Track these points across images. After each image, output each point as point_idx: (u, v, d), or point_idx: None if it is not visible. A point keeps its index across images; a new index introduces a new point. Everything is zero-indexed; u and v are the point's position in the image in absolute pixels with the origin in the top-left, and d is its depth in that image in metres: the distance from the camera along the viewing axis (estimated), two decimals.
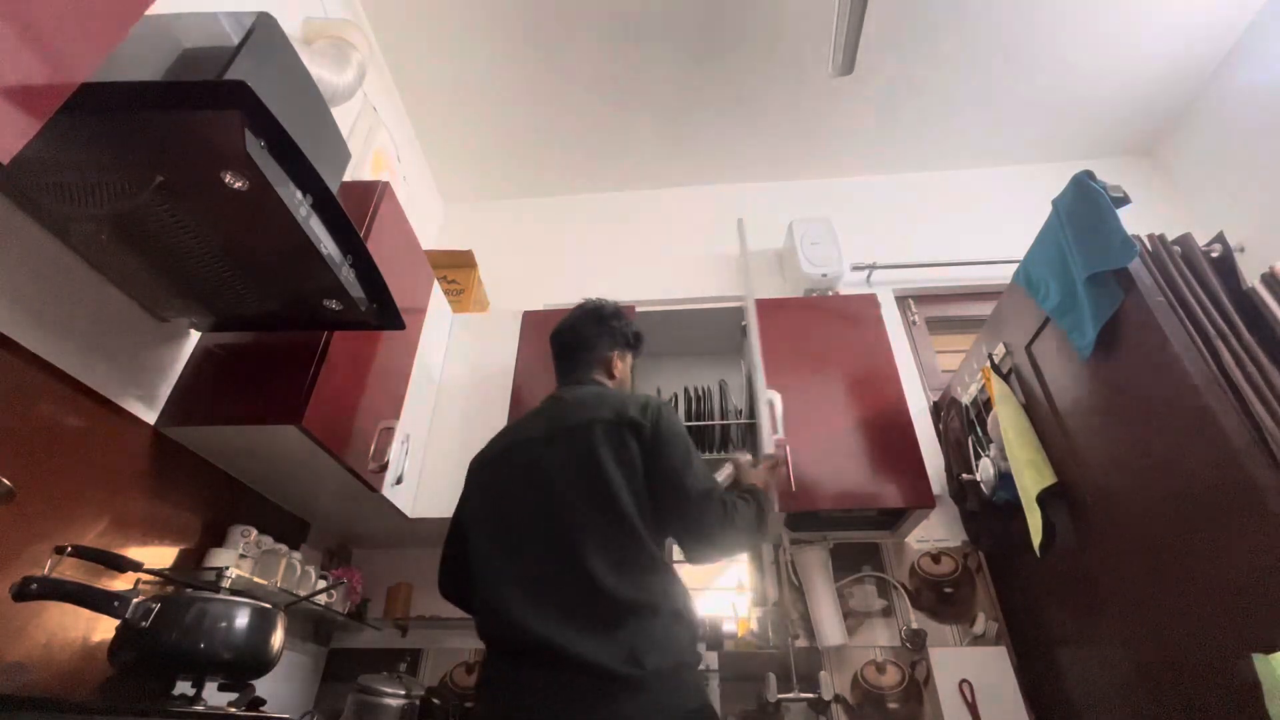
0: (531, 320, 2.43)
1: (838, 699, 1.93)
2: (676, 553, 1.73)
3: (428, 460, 2.09)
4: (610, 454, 1.10)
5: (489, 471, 1.26)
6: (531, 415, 1.31)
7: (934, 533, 2.18)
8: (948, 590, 2.09)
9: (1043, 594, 1.77)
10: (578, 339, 1.41)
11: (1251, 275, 1.30)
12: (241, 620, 1.23)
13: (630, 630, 0.97)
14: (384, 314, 1.40)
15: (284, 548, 1.70)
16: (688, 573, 2.51)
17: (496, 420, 2.17)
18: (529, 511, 1.12)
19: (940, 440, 2.21)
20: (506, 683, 1.00)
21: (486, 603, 1.09)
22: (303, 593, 1.65)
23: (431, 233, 3.24)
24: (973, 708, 1.86)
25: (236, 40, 1.12)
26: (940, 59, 2.70)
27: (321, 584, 1.83)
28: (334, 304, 1.33)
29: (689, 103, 2.91)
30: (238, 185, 0.97)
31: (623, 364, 1.43)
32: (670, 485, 1.09)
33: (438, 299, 2.33)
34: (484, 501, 1.23)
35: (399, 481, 1.85)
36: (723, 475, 1.37)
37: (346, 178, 1.70)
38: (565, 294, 2.90)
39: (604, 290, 2.90)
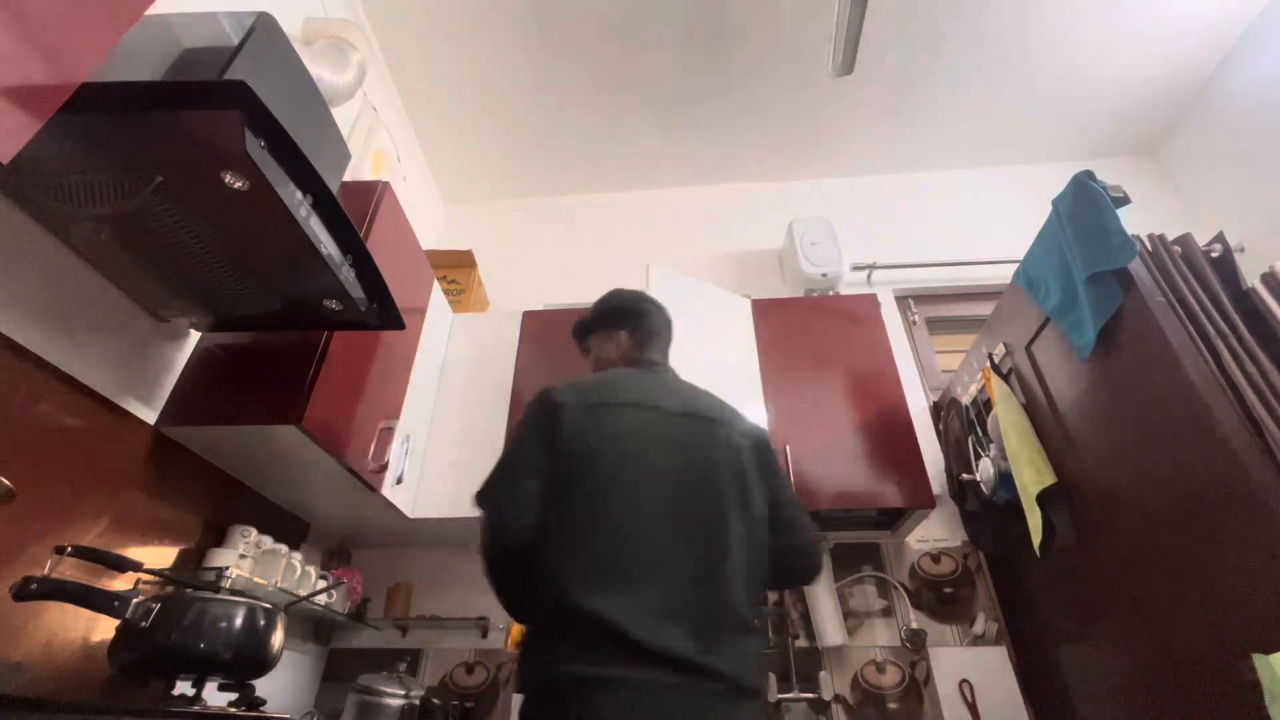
0: (531, 320, 2.43)
1: (838, 699, 1.93)
2: None
3: (428, 460, 2.09)
4: (753, 466, 1.11)
5: (616, 421, 1.11)
6: (646, 381, 1.21)
7: (934, 533, 2.18)
8: (948, 590, 2.09)
9: (1043, 594, 1.76)
10: (666, 323, 1.39)
11: (1251, 275, 1.30)
12: (241, 620, 1.23)
13: (750, 646, 0.96)
14: (384, 314, 1.40)
15: (284, 548, 1.70)
16: None
17: (497, 420, 2.17)
18: (679, 499, 1.03)
19: (940, 440, 2.21)
20: (631, 684, 0.86)
21: (596, 581, 0.94)
22: (303, 593, 1.65)
23: (431, 233, 3.24)
24: (973, 708, 1.86)
25: (236, 40, 1.12)
26: (940, 59, 2.70)
27: (321, 584, 1.83)
28: (334, 304, 1.33)
29: (689, 103, 2.91)
30: (238, 185, 0.97)
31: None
32: (786, 507, 1.13)
33: (438, 299, 2.33)
34: (617, 462, 1.06)
35: (399, 481, 1.85)
36: None
37: (346, 178, 1.70)
38: (565, 294, 2.91)
39: (603, 290, 2.93)
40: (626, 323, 1.36)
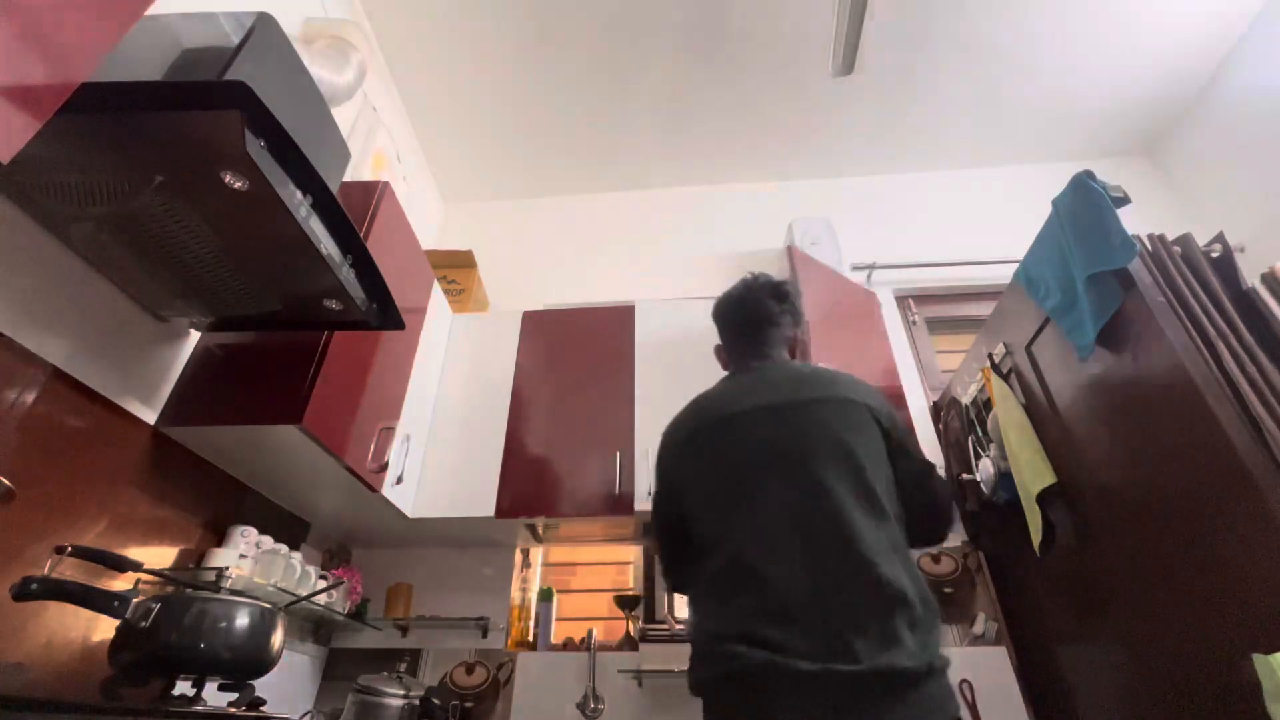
0: (531, 320, 2.43)
1: None
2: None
3: (428, 460, 2.09)
4: (857, 434, 1.06)
5: (709, 444, 1.16)
6: (736, 388, 1.22)
7: None
8: (948, 590, 2.09)
9: (1043, 594, 1.76)
10: (764, 314, 1.32)
11: (1251, 275, 1.30)
12: (241, 620, 1.23)
13: (902, 621, 0.90)
14: (384, 314, 1.40)
15: (284, 548, 1.70)
16: None
17: (497, 420, 2.17)
18: (778, 488, 1.03)
19: (940, 440, 2.21)
20: (796, 677, 0.87)
21: (744, 584, 0.97)
22: (303, 593, 1.65)
23: (431, 233, 3.24)
24: (973, 708, 1.86)
25: (236, 40, 1.13)
26: (941, 59, 2.70)
27: (321, 584, 1.83)
28: (334, 304, 1.33)
29: (689, 103, 2.91)
30: (238, 185, 0.97)
31: (800, 343, 1.38)
32: (915, 471, 1.11)
33: (438, 299, 2.33)
34: (715, 476, 1.11)
35: (399, 481, 1.85)
36: None
37: (346, 178, 1.70)
38: (565, 294, 2.92)
39: (604, 290, 2.94)
40: (720, 334, 1.41)
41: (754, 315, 1.32)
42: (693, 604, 1.10)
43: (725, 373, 1.35)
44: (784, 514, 1.00)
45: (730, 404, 1.17)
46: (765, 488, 1.04)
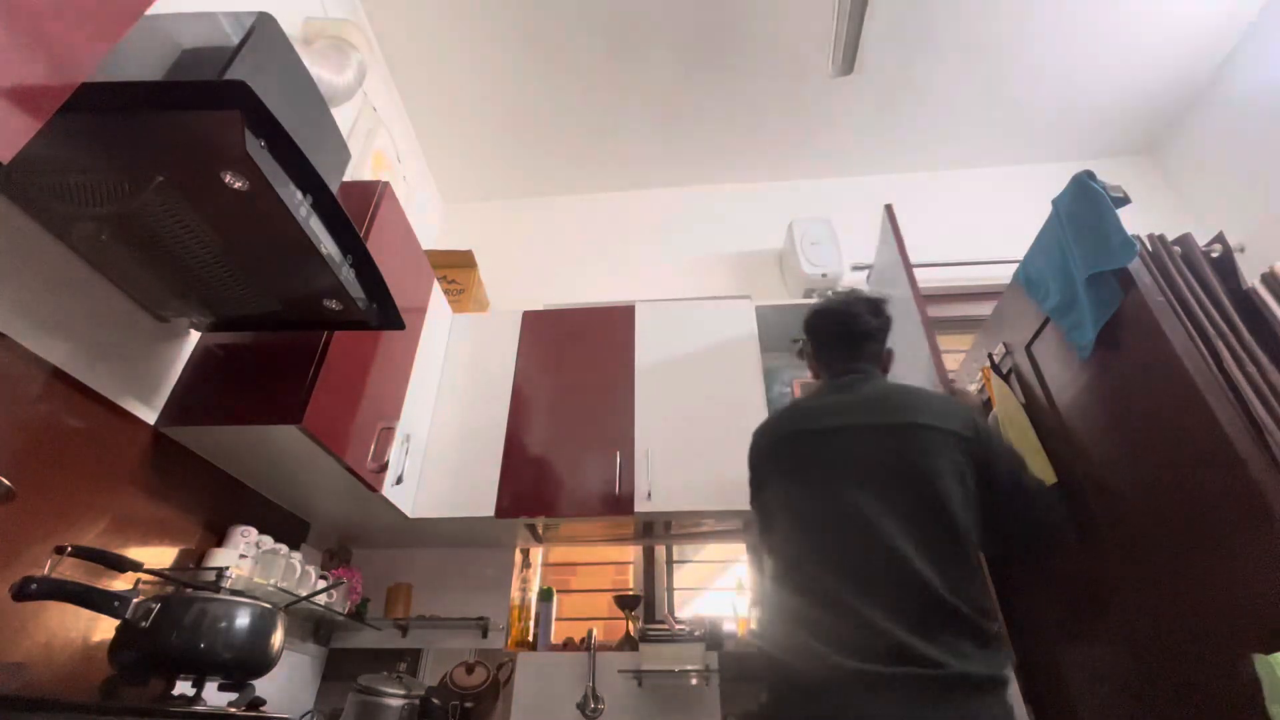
0: (531, 320, 2.43)
1: None
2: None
3: (428, 460, 2.09)
4: (946, 463, 1.11)
5: (799, 453, 1.22)
6: (834, 402, 1.26)
7: None
8: None
9: (1043, 594, 1.76)
10: (863, 328, 1.36)
11: (1251, 275, 1.30)
12: (241, 620, 1.23)
13: (963, 635, 0.98)
14: (384, 314, 1.40)
15: (284, 548, 1.70)
16: (686, 571, 2.51)
17: (497, 420, 2.17)
18: (856, 507, 1.09)
19: None
20: (866, 682, 0.93)
21: (821, 596, 1.03)
22: (303, 593, 1.65)
23: (431, 233, 3.24)
24: None
25: (236, 40, 1.12)
26: (940, 59, 2.70)
27: (321, 584, 1.83)
28: (334, 304, 1.33)
29: (689, 103, 2.91)
30: (238, 185, 0.97)
31: (890, 361, 1.43)
32: (1010, 489, 1.18)
33: (438, 299, 2.33)
34: (797, 484, 1.19)
35: (399, 481, 1.85)
36: None
37: (346, 178, 1.70)
38: (565, 294, 2.92)
39: (604, 290, 2.94)
40: (809, 344, 1.44)
41: (853, 329, 1.37)
42: (766, 598, 1.19)
43: (812, 379, 1.44)
44: (855, 530, 1.07)
45: (827, 417, 1.23)
46: (842, 504, 1.10)
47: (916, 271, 2.83)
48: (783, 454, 1.24)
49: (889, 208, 2.16)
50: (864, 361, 1.34)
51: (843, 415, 1.21)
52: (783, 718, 1.02)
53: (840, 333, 1.37)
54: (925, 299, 2.81)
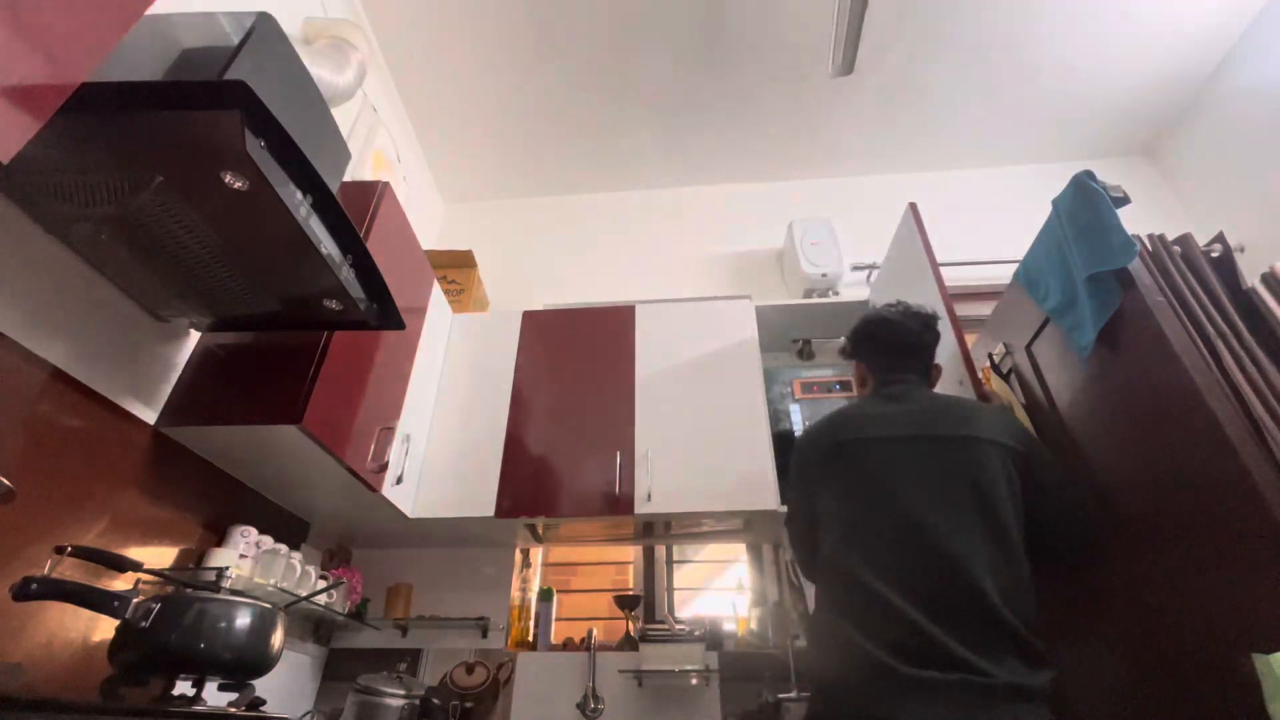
0: (531, 320, 2.43)
1: None
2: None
3: (428, 460, 2.09)
4: (1000, 477, 1.14)
5: (852, 461, 1.23)
6: (886, 411, 1.28)
7: None
8: None
9: (1041, 594, 1.76)
10: (917, 341, 1.40)
11: (1251, 275, 1.30)
12: (241, 620, 1.23)
13: (1014, 651, 1.03)
14: (384, 314, 1.40)
15: (284, 548, 1.70)
16: (686, 571, 2.51)
17: (497, 420, 2.17)
18: (915, 518, 1.11)
19: None
20: (913, 686, 0.96)
21: (878, 604, 1.05)
22: (303, 593, 1.65)
23: (431, 233, 3.24)
24: None
25: (236, 40, 1.12)
26: (940, 59, 2.70)
27: (321, 584, 1.83)
28: (334, 304, 1.33)
29: (689, 103, 2.91)
30: (238, 185, 0.97)
31: (938, 376, 1.46)
32: (1057, 503, 1.22)
33: (438, 299, 2.33)
34: (849, 492, 1.21)
35: (399, 481, 1.85)
36: None
37: (346, 178, 1.70)
38: (565, 294, 2.92)
39: (604, 290, 2.94)
40: (858, 352, 1.46)
41: (907, 341, 1.40)
42: (817, 602, 1.19)
43: (858, 387, 1.47)
44: (907, 540, 1.09)
45: (879, 427, 1.25)
46: (899, 514, 1.11)
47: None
48: (836, 462, 1.25)
49: (913, 206, 2.16)
50: (914, 373, 1.37)
51: (897, 425, 1.23)
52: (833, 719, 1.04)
53: (896, 342, 1.40)
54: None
